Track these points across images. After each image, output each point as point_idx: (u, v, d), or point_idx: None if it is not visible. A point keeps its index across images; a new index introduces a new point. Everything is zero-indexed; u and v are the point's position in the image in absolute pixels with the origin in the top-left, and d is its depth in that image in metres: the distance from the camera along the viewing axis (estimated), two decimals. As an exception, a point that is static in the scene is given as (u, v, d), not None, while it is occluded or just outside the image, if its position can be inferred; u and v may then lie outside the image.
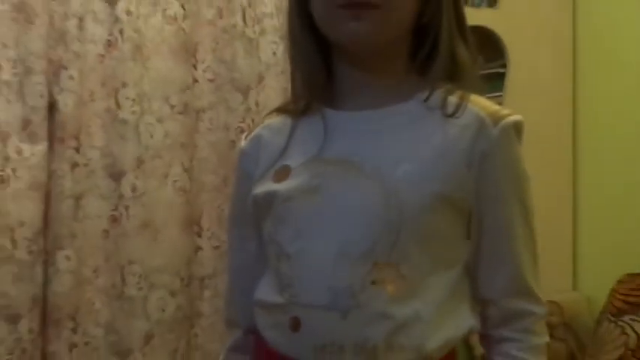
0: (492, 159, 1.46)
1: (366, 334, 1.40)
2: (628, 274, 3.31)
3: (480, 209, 1.48)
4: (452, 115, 1.46)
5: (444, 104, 1.47)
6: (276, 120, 1.64)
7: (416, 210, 1.41)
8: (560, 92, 3.72)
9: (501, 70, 3.54)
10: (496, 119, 1.46)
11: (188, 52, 3.58)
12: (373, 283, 1.40)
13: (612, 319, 3.22)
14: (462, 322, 1.48)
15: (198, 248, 3.62)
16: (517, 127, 1.49)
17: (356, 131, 1.51)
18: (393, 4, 1.44)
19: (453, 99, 1.48)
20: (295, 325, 1.43)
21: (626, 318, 3.17)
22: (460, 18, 1.54)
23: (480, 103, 1.50)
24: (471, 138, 1.45)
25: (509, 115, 1.49)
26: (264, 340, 1.53)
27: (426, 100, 1.48)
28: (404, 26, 1.49)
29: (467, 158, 1.44)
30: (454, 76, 1.51)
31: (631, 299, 3.21)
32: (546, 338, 1.56)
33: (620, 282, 3.31)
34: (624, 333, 3.13)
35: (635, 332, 3.12)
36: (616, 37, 3.64)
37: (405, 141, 1.48)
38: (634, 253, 3.44)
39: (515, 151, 1.51)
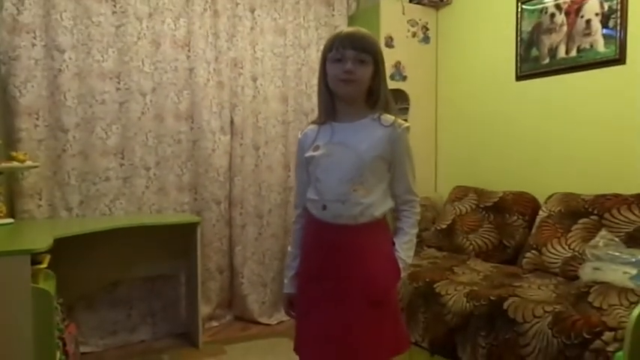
0: (397, 141, 1.50)
1: (352, 210, 1.47)
2: (457, 186, 3.29)
3: (393, 161, 1.51)
4: (384, 125, 1.50)
5: (380, 120, 1.50)
6: (312, 126, 1.60)
7: (369, 161, 1.47)
8: (428, 107, 3.63)
9: (407, 106, 3.52)
10: (400, 125, 1.50)
11: (284, 100, 3.54)
12: (353, 190, 1.47)
13: (450, 204, 3.18)
14: (388, 204, 1.54)
15: (288, 176, 3.57)
16: (407, 129, 1.52)
17: (345, 131, 1.52)
18: (361, 81, 1.47)
19: (384, 118, 1.51)
20: (324, 207, 1.50)
21: (455, 203, 3.14)
22: (386, 85, 1.53)
23: (396, 119, 1.52)
24: (390, 133, 1.49)
25: (404, 124, 1.52)
26: (311, 214, 1.56)
27: (374, 118, 1.51)
28: (364, 89, 1.50)
29: (388, 141, 1.49)
30: (385, 108, 1.52)
31: (459, 196, 3.16)
32: (419, 209, 1.59)
33: (453, 189, 3.29)
34: (454, 209, 3.11)
35: (459, 209, 3.06)
36: (452, 88, 3.55)
37: (364, 134, 1.50)
38: (460, 176, 3.40)
39: (406, 138, 1.52)
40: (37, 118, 2.77)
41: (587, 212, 2.43)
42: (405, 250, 1.56)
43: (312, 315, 1.55)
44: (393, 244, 1.57)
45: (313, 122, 1.63)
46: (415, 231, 1.59)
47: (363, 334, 1.49)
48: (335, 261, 1.51)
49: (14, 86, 2.69)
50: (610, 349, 1.62)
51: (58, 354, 2.01)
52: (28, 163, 2.56)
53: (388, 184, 1.55)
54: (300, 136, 1.64)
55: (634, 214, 2.27)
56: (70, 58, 2.84)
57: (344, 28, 1.59)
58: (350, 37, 1.49)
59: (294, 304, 1.65)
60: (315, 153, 1.54)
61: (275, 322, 3.50)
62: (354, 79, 1.48)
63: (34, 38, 2.73)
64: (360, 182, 1.48)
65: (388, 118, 1.53)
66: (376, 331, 1.51)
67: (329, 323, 1.51)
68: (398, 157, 1.53)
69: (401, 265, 1.54)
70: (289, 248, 1.69)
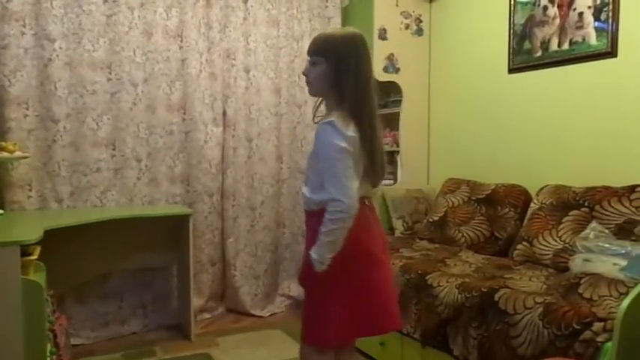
0: (316, 137, 1.57)
1: (304, 201, 1.63)
2: (449, 178, 3.27)
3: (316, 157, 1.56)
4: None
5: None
6: None
7: (308, 159, 1.61)
8: (421, 100, 3.61)
9: (400, 98, 3.48)
10: (321, 121, 1.55)
11: (277, 91, 3.52)
12: (304, 184, 1.63)
13: (443, 196, 3.17)
14: (321, 196, 1.54)
15: (281, 168, 3.57)
16: (326, 124, 1.51)
17: None
18: (314, 82, 1.59)
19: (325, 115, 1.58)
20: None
21: (448, 196, 3.12)
22: (353, 82, 1.53)
23: (327, 116, 1.56)
24: (316, 130, 1.57)
25: (327, 119, 1.53)
26: None
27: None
28: (323, 89, 1.59)
29: (315, 138, 1.59)
30: (353, 106, 1.54)
31: (451, 188, 3.15)
32: (338, 209, 1.49)
33: (446, 181, 3.27)
34: (447, 201, 3.09)
35: (451, 201, 3.05)
36: (445, 80, 3.54)
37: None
38: (452, 169, 3.39)
39: (321, 134, 1.53)
40: (27, 108, 2.74)
41: (578, 204, 2.44)
42: (315, 247, 1.55)
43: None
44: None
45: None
46: (326, 230, 1.52)
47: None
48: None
49: (3, 75, 2.67)
50: (600, 339, 1.63)
51: (49, 346, 1.99)
52: (18, 153, 2.53)
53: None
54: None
55: (624, 206, 2.28)
56: (61, 48, 2.81)
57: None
58: (310, 42, 1.61)
59: None
60: None
61: (267, 314, 3.50)
62: (309, 80, 1.59)
63: (24, 27, 2.70)
64: (307, 177, 1.63)
65: (326, 114, 1.58)
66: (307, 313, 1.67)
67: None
68: (316, 152, 1.56)
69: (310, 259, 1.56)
70: None
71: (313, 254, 1.55)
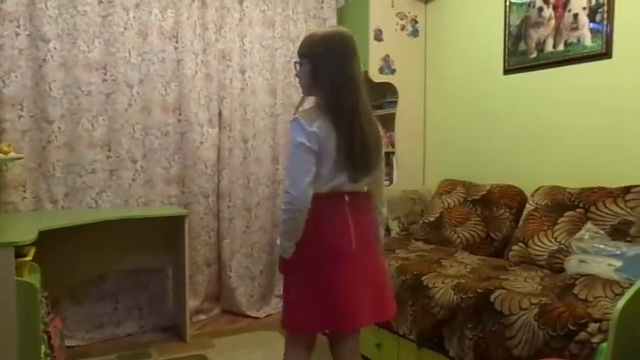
0: None
1: None
2: (445, 179, 3.27)
3: None
4: None
5: None
6: None
7: None
8: (416, 101, 3.59)
9: (395, 99, 3.48)
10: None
11: (273, 92, 3.52)
12: None
13: (438, 197, 3.16)
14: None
15: (277, 169, 3.56)
16: (293, 120, 1.57)
17: None
18: (301, 81, 1.65)
19: None
20: None
21: (444, 197, 3.11)
22: (329, 81, 1.58)
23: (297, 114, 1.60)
24: None
25: (295, 117, 1.58)
26: None
27: None
28: (307, 87, 1.64)
29: None
30: (326, 105, 1.59)
31: (447, 189, 3.12)
32: (286, 200, 1.56)
33: (441, 182, 3.26)
34: (442, 202, 3.08)
35: (447, 202, 3.04)
36: (440, 81, 3.55)
37: None
38: (448, 170, 3.39)
39: (291, 129, 1.58)
40: (22, 109, 2.73)
41: (573, 205, 2.44)
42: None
43: None
44: (315, 227, 1.61)
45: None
46: (282, 221, 1.60)
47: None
48: None
49: (-3, 76, 2.64)
50: (595, 340, 1.62)
51: (43, 348, 1.98)
52: (12, 154, 2.51)
53: None
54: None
55: (619, 206, 2.28)
56: (55, 48, 2.79)
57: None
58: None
59: None
60: None
61: (263, 315, 3.49)
62: (300, 81, 1.67)
63: (18, 27, 2.69)
64: None
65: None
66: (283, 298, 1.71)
67: None
68: None
69: None
70: None
71: (277, 241, 1.64)
